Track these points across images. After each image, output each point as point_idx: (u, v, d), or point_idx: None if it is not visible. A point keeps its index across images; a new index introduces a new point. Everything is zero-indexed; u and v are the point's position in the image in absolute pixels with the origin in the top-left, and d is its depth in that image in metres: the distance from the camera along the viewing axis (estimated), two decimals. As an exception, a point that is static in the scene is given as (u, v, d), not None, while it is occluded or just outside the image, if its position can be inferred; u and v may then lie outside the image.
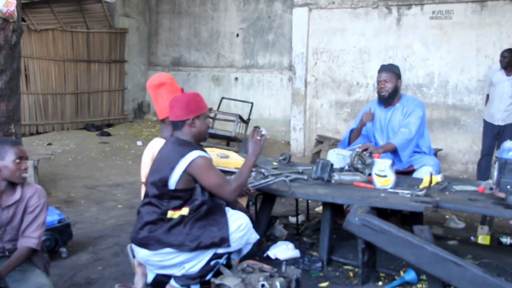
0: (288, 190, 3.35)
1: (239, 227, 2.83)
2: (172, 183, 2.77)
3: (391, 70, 4.13)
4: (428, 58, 7.31)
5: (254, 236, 2.94)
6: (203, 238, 2.75)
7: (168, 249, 2.76)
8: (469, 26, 6.96)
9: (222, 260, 2.83)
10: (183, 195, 2.78)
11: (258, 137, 2.99)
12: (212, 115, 8.12)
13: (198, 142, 2.97)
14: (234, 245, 2.81)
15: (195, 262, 2.79)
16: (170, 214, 2.79)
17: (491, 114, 6.01)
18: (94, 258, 3.65)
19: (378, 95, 4.17)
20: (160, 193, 2.80)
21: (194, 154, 2.80)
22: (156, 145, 3.21)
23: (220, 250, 2.80)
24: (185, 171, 2.76)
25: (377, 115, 4.22)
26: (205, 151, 2.93)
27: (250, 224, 2.90)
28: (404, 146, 3.95)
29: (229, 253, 2.85)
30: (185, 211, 2.79)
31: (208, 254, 2.80)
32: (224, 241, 2.78)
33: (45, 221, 2.69)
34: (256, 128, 3.04)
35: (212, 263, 2.80)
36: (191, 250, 2.75)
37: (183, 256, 2.77)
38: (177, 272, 2.82)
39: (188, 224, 2.76)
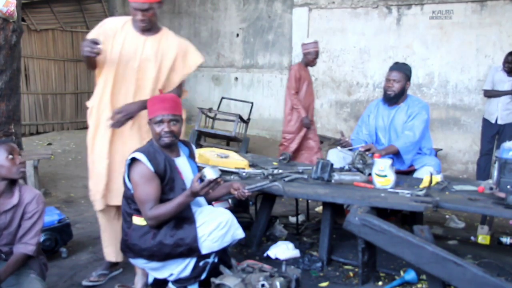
0: (284, 195, 3.29)
1: (219, 225, 2.73)
2: (130, 186, 2.77)
3: (403, 71, 4.07)
4: (428, 58, 7.31)
5: (240, 232, 2.86)
6: (171, 249, 2.71)
7: (142, 259, 2.76)
8: (469, 26, 6.97)
9: (211, 259, 2.79)
10: None
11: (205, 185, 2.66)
12: (212, 115, 8.12)
13: (162, 147, 2.84)
14: (216, 245, 2.74)
15: (182, 267, 2.77)
16: (137, 220, 2.75)
17: (490, 112, 6.02)
18: (94, 258, 3.65)
19: (384, 92, 4.15)
20: (125, 194, 2.81)
21: (132, 155, 2.74)
22: None
23: (204, 251, 2.75)
24: (128, 175, 2.76)
25: (380, 113, 4.21)
26: (152, 156, 2.76)
27: (232, 220, 2.80)
28: (408, 149, 3.94)
29: (216, 252, 2.80)
30: None
31: (192, 258, 2.77)
32: (192, 251, 2.72)
33: (42, 227, 2.69)
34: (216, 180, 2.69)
35: (201, 263, 2.78)
36: (160, 260, 2.73)
37: (161, 263, 2.76)
38: (168, 276, 2.81)
39: (157, 235, 2.72)
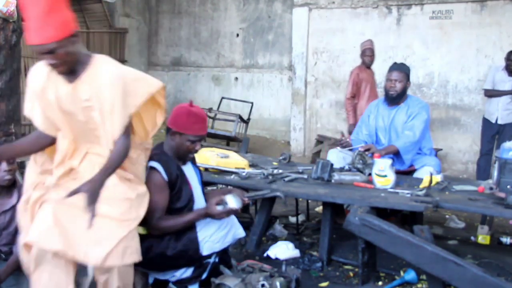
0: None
1: (220, 226, 2.76)
2: None
3: (403, 71, 4.11)
4: (428, 58, 7.30)
5: (241, 232, 2.88)
6: (172, 261, 2.70)
7: (141, 267, 2.74)
8: (469, 26, 6.96)
9: (212, 260, 2.79)
10: None
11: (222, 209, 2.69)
12: (212, 115, 8.12)
13: (177, 157, 2.83)
14: (217, 246, 2.75)
15: (184, 269, 2.77)
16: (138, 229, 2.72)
17: (491, 112, 6.02)
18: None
19: (386, 93, 4.16)
20: None
21: (149, 164, 2.69)
22: None
23: (205, 252, 2.75)
24: None
25: (380, 113, 4.22)
26: (167, 165, 2.74)
27: (233, 220, 2.83)
28: (408, 149, 3.94)
29: (217, 252, 2.80)
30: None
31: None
32: (194, 261, 2.73)
33: None
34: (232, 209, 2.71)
35: (202, 263, 2.78)
36: (160, 270, 2.73)
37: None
38: (169, 277, 2.81)
39: (158, 246, 2.70)
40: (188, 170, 2.93)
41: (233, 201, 2.67)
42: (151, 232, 2.70)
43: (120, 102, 2.27)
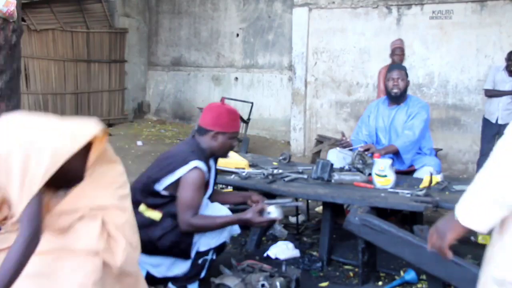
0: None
1: None
2: (161, 185, 2.72)
3: (403, 70, 4.18)
4: (428, 58, 7.31)
5: (236, 228, 2.90)
6: (163, 249, 2.69)
7: None
8: (469, 26, 6.97)
9: (210, 256, 2.79)
10: (166, 196, 2.73)
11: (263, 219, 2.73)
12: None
13: (213, 156, 2.87)
14: (214, 241, 2.76)
15: (172, 259, 2.76)
16: (142, 208, 2.69)
17: (491, 112, 6.02)
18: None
19: (389, 93, 4.17)
20: (144, 188, 2.74)
21: (193, 164, 2.69)
22: None
23: (202, 248, 2.75)
24: (180, 178, 2.69)
25: (380, 113, 4.23)
26: (207, 164, 2.78)
27: None
28: (407, 149, 3.95)
29: (214, 248, 2.80)
30: (157, 215, 2.70)
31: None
32: (184, 255, 2.73)
33: None
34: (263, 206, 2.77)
35: (199, 261, 2.77)
36: (147, 253, 2.67)
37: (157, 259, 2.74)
38: (156, 265, 2.78)
39: (152, 232, 2.68)
40: (212, 168, 2.96)
41: (275, 212, 2.73)
42: (181, 227, 2.65)
43: (18, 180, 1.79)
